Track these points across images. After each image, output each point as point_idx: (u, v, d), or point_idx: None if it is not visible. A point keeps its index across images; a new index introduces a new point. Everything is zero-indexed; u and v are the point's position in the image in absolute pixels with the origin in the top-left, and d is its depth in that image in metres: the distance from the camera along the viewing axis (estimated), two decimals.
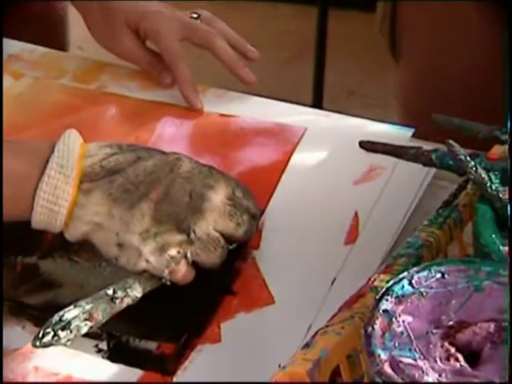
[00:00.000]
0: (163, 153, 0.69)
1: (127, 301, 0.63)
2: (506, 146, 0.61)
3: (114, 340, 0.64)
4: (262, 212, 0.73)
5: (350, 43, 2.30)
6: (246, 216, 0.67)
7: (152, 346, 0.64)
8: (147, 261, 0.64)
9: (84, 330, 0.60)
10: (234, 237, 0.67)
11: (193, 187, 0.66)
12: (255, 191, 0.74)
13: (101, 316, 0.61)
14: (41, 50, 0.93)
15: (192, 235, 0.64)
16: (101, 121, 0.83)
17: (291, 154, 0.78)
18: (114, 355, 0.64)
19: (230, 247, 0.67)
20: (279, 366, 0.60)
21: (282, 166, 0.77)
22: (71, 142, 0.66)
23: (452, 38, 0.97)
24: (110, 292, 0.62)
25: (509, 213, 0.56)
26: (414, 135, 0.79)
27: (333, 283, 0.67)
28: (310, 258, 0.69)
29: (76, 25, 1.04)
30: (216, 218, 0.65)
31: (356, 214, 0.72)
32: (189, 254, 0.64)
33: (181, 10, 0.89)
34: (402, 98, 1.06)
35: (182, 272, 0.64)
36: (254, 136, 0.80)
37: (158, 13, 0.85)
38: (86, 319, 0.60)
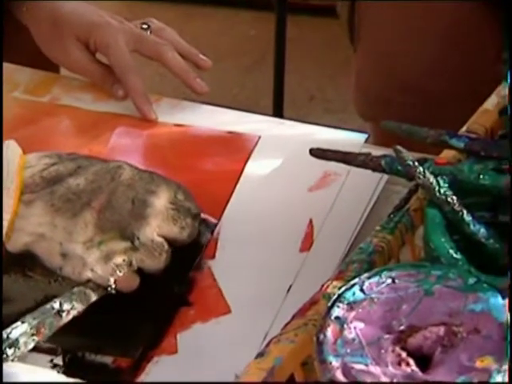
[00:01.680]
0: (104, 161, 0.69)
1: (73, 313, 0.63)
2: (455, 152, 0.62)
3: (70, 355, 0.64)
4: (218, 221, 0.73)
5: (310, 48, 2.31)
6: (189, 219, 0.67)
7: (108, 359, 0.64)
8: (92, 270, 0.64)
9: (31, 345, 0.60)
10: (178, 240, 0.67)
11: (135, 194, 0.66)
12: (210, 201, 0.74)
13: (47, 330, 0.61)
14: None
15: (136, 242, 0.65)
16: (54, 133, 0.82)
17: (245, 163, 0.78)
18: (69, 370, 0.63)
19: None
20: (235, 375, 0.60)
21: (236, 174, 0.77)
22: (10, 154, 0.66)
23: (411, 23, 0.98)
24: (57, 305, 0.62)
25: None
26: (367, 141, 0.80)
27: (288, 291, 0.67)
28: (266, 267, 0.70)
29: None
30: (159, 223, 0.66)
31: (311, 222, 0.72)
32: (134, 261, 0.65)
33: (135, 19, 0.89)
34: (361, 84, 1.07)
35: (127, 280, 0.64)
36: (208, 145, 0.80)
37: (107, 25, 0.84)
38: (33, 334, 0.60)
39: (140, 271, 0.65)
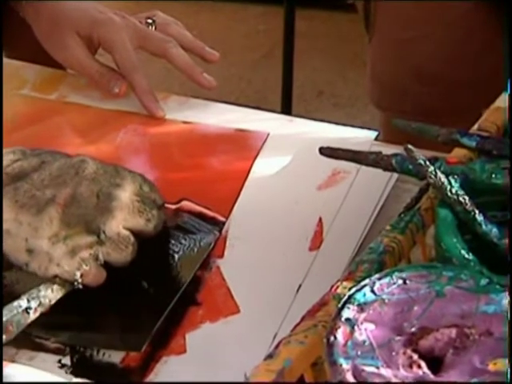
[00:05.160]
0: (67, 155, 0.69)
1: (40, 310, 0.63)
2: (466, 151, 0.61)
3: (78, 355, 0.64)
4: (226, 220, 0.72)
5: (319, 43, 2.30)
6: (155, 210, 0.67)
7: (116, 359, 0.63)
8: (58, 265, 0.64)
9: (2, 345, 0.60)
10: (144, 232, 0.67)
11: (100, 188, 0.66)
12: (218, 199, 0.74)
13: (15, 328, 0.61)
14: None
15: (102, 236, 0.65)
16: (62, 131, 0.82)
17: (254, 161, 0.78)
18: (77, 370, 0.63)
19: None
20: (245, 375, 0.59)
21: (244, 172, 0.77)
22: None
23: (428, 11, 0.97)
24: (24, 303, 0.62)
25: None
26: (377, 138, 0.79)
27: (298, 290, 0.67)
28: (275, 266, 0.69)
29: None
30: (125, 215, 0.66)
31: (320, 220, 0.72)
32: (100, 255, 0.65)
33: (140, 12, 0.89)
34: (376, 73, 1.06)
35: (94, 274, 0.64)
36: (216, 143, 0.80)
37: (111, 22, 0.83)
38: None
39: (107, 265, 0.65)
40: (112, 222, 0.65)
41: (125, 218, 0.66)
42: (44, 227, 0.64)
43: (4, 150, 0.69)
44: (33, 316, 0.62)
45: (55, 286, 0.64)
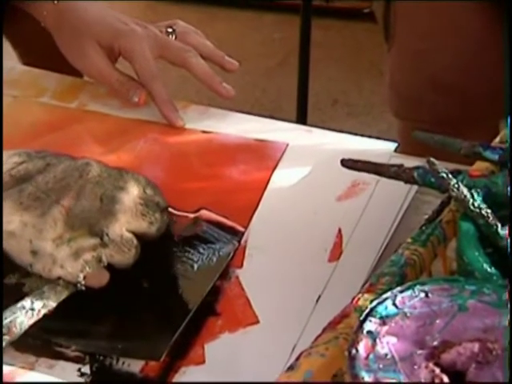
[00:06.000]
0: (72, 158, 0.70)
1: (44, 311, 0.63)
2: (488, 163, 0.61)
3: (97, 363, 0.64)
4: (245, 230, 0.72)
5: (334, 52, 2.30)
6: (158, 213, 0.68)
7: (135, 368, 0.63)
8: (62, 266, 0.64)
9: (3, 345, 0.61)
10: (147, 235, 0.68)
11: (103, 191, 0.67)
12: (237, 209, 0.74)
13: (18, 329, 0.62)
14: (19, 68, 0.93)
15: (105, 238, 0.65)
16: (81, 140, 0.82)
17: (273, 171, 0.78)
18: (97, 379, 0.63)
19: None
20: None
21: (263, 183, 0.76)
22: None
23: (446, 22, 0.97)
24: (28, 304, 0.63)
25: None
26: (396, 150, 0.79)
27: (317, 301, 0.67)
28: (294, 277, 0.69)
29: None
30: (128, 218, 0.66)
31: (340, 231, 0.72)
32: (103, 257, 0.65)
33: (159, 21, 0.89)
34: (394, 82, 1.06)
35: (97, 276, 0.65)
36: (235, 153, 0.80)
37: (132, 32, 0.84)
38: (4, 334, 0.61)
39: (110, 267, 0.66)
40: (115, 225, 0.66)
41: (128, 221, 0.66)
42: (48, 229, 0.65)
43: (9, 153, 0.69)
44: (36, 317, 0.63)
45: (59, 288, 0.64)
